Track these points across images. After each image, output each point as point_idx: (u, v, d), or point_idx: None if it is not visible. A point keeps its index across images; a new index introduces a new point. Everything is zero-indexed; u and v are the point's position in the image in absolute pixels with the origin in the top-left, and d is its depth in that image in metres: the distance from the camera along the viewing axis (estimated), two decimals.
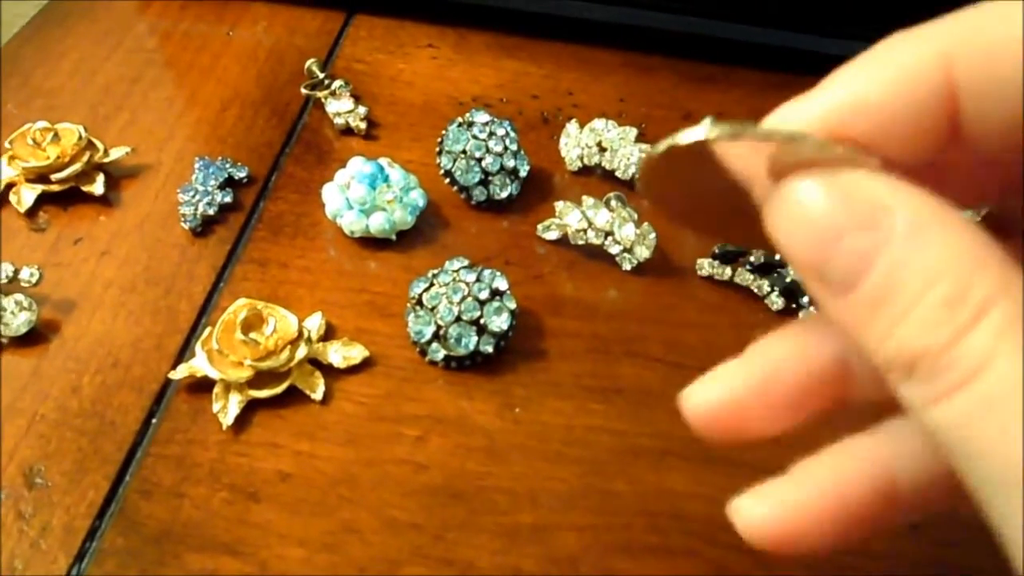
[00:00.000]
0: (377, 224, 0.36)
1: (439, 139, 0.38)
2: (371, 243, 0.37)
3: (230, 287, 0.35)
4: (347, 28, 0.47)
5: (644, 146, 0.39)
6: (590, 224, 0.36)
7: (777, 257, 0.35)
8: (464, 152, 0.37)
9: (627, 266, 0.36)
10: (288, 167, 0.40)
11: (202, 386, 0.31)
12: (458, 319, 0.32)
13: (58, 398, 0.31)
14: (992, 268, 0.13)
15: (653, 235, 0.35)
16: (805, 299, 0.34)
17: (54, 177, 0.37)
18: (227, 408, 0.31)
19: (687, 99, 0.44)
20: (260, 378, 0.31)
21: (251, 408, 0.31)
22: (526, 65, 0.46)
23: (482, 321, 0.32)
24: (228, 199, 0.38)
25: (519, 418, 0.31)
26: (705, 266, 0.36)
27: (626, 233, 0.35)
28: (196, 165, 0.39)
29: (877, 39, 0.16)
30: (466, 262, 0.34)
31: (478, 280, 0.32)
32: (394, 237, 0.37)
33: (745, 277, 0.35)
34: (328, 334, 0.34)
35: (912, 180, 0.14)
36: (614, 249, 0.36)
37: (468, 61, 0.46)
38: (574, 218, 0.36)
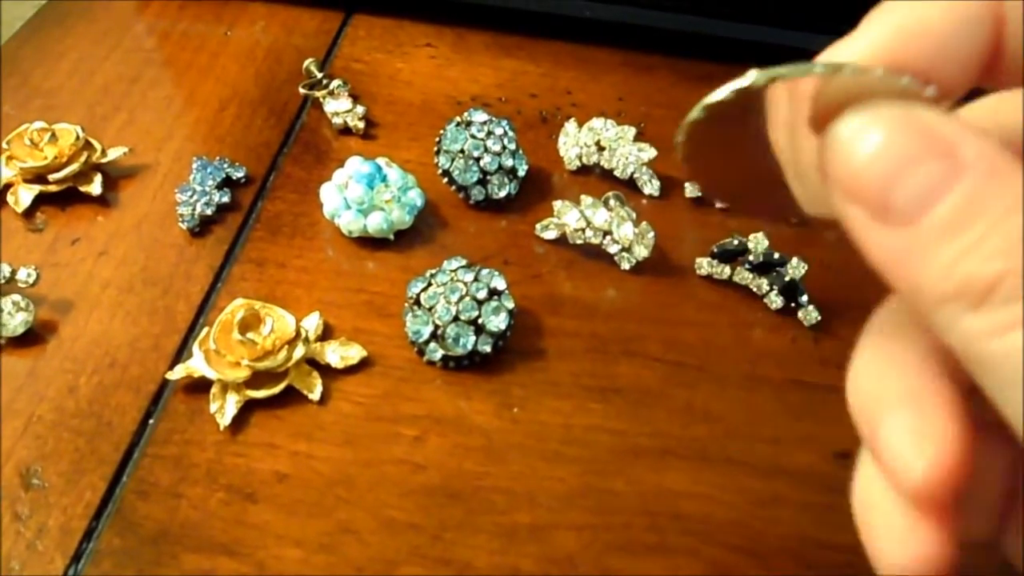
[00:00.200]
0: (375, 224, 0.36)
1: (437, 138, 0.38)
2: (369, 243, 0.37)
3: (228, 287, 0.35)
4: (345, 28, 0.47)
5: (643, 145, 0.39)
6: (588, 223, 0.36)
7: (776, 255, 0.34)
8: (462, 151, 0.37)
9: (626, 265, 0.36)
10: (286, 167, 0.40)
11: (199, 386, 0.31)
12: (456, 319, 0.32)
13: (55, 399, 0.31)
14: None
15: (652, 234, 0.35)
16: (804, 298, 0.34)
17: (52, 177, 0.37)
18: (224, 408, 0.31)
19: (686, 98, 0.44)
20: (257, 378, 0.31)
21: (248, 408, 0.31)
22: (524, 64, 0.46)
23: (480, 321, 0.32)
24: (226, 199, 0.38)
25: (517, 418, 0.31)
26: (704, 265, 0.36)
27: (625, 232, 0.35)
28: (194, 165, 0.39)
29: None
30: (464, 262, 0.34)
31: (476, 280, 0.32)
32: (392, 237, 0.37)
33: (744, 276, 0.35)
34: (326, 334, 0.34)
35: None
36: (613, 248, 0.36)
37: (466, 60, 0.46)
38: (572, 217, 0.36)
